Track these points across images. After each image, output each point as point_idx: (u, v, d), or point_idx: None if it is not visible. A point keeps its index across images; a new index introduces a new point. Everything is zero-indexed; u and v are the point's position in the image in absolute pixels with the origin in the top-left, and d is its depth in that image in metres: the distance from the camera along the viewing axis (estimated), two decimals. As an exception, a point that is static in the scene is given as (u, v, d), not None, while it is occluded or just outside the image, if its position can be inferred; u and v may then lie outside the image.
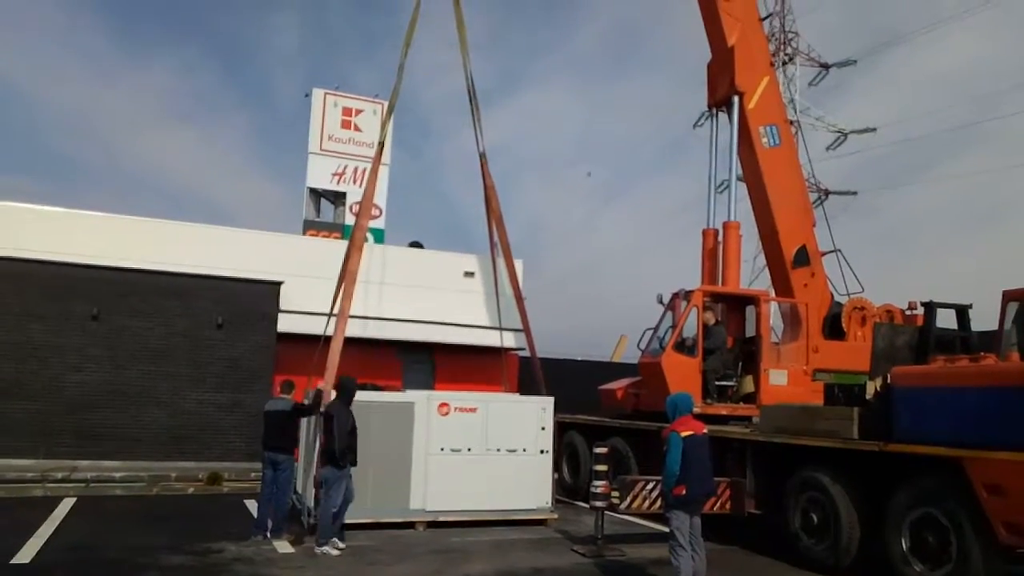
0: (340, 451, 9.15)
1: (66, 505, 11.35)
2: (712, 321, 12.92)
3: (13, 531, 9.26)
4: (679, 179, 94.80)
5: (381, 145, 14.30)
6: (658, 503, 9.21)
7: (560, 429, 13.23)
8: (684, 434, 7.41)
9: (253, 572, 8.09)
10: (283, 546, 9.30)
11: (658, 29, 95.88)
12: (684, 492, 7.31)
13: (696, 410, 8.90)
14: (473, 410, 11.05)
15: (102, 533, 9.65)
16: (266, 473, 9.99)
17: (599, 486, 9.61)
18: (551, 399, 11.73)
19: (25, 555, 8.31)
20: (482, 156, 15.00)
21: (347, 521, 9.52)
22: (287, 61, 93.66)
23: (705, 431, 7.70)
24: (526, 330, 14.59)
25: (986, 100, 70.59)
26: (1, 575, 7.49)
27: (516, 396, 13.64)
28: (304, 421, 10.80)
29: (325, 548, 8.96)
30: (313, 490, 10.17)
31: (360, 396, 9.88)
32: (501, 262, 15.23)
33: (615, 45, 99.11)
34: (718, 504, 9.89)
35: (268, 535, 9.64)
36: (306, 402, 10.89)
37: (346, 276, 12.40)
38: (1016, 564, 7.79)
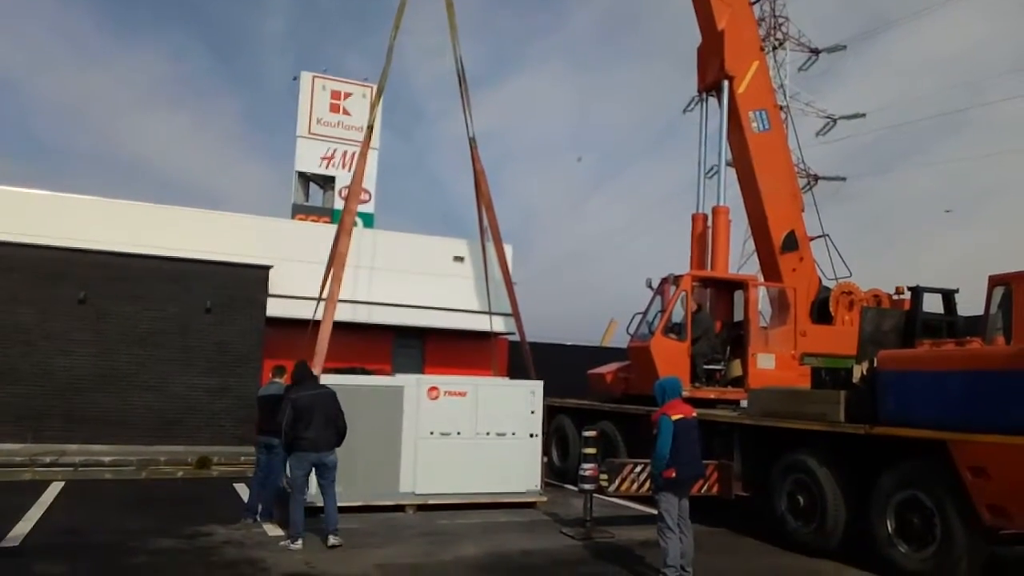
0: None
1: (55, 489, 11.32)
2: (694, 307, 12.98)
3: (2, 515, 9.22)
4: (669, 164, 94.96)
5: (370, 128, 14.26)
6: (646, 485, 9.28)
7: (549, 413, 13.29)
8: (675, 417, 7.45)
9: (243, 555, 8.11)
10: (273, 529, 9.31)
11: (650, 14, 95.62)
12: (674, 475, 7.36)
13: (685, 394, 8.96)
14: (463, 394, 11.07)
15: (91, 517, 9.64)
16: (260, 457, 10.00)
17: (588, 469, 9.67)
18: (540, 383, 11.76)
19: (14, 538, 8.30)
20: (472, 140, 14.97)
21: (337, 504, 9.50)
22: (277, 44, 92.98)
23: (694, 414, 7.75)
24: (515, 314, 14.62)
25: (975, 86, 70.89)
26: (-10, 558, 7.48)
27: (505, 380, 13.68)
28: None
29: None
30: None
31: (350, 380, 9.90)
32: (491, 247, 15.23)
33: (608, 30, 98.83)
34: (706, 487, 9.96)
35: (258, 518, 9.66)
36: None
37: (335, 260, 12.39)
38: (999, 545, 7.89)
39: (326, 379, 10.26)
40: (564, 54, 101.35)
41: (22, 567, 7.25)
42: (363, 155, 13.63)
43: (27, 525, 8.91)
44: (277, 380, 10.25)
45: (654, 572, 7.52)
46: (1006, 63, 68.36)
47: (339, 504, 8.99)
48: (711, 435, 10.29)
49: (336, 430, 8.85)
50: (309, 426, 8.67)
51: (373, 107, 14.94)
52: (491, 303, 15.98)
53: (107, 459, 13.31)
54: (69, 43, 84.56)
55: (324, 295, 12.32)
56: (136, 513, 9.98)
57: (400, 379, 11.36)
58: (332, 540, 8.58)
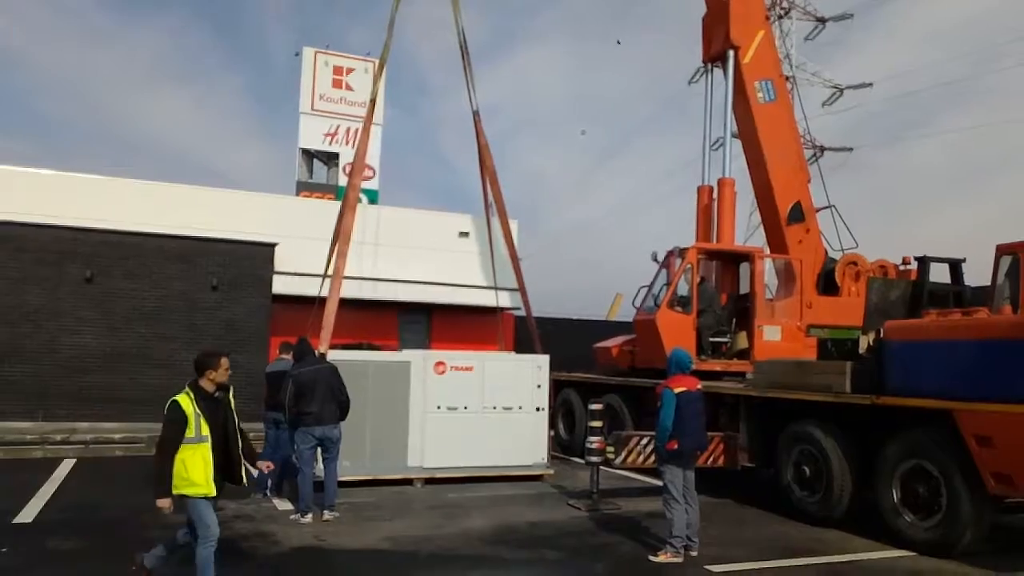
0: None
1: (66, 466, 11.43)
2: (700, 279, 12.95)
3: (14, 492, 9.35)
4: (675, 136, 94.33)
5: (373, 102, 14.17)
6: (652, 458, 9.32)
7: (556, 387, 13.33)
8: (678, 390, 7.48)
9: (254, 528, 8.19)
10: (282, 503, 9.40)
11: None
12: (677, 446, 7.40)
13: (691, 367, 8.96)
14: (469, 369, 11.11)
15: (103, 493, 9.75)
16: (268, 433, 10.07)
17: (594, 442, 9.72)
18: (546, 357, 11.80)
19: (27, 515, 8.41)
20: (475, 114, 14.88)
21: (346, 478, 9.60)
22: (279, 19, 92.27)
23: (699, 387, 7.77)
24: (521, 289, 14.61)
25: (984, 54, 69.95)
26: (4, 534, 7.56)
27: (512, 355, 13.71)
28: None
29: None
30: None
31: (357, 355, 9.95)
32: (496, 222, 15.19)
33: (612, 1, 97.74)
34: (711, 458, 10.01)
35: (268, 493, 9.75)
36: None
37: (340, 237, 12.39)
38: (1004, 513, 7.93)
39: (333, 355, 10.31)
40: (568, 26, 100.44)
41: (36, 542, 7.34)
42: (366, 131, 13.56)
43: (40, 502, 9.02)
44: (285, 356, 10.28)
45: (660, 543, 7.58)
46: (1015, 31, 67.43)
47: (348, 478, 9.06)
48: (717, 407, 10.33)
49: (339, 404, 8.91)
50: (312, 401, 8.73)
51: (375, 80, 14.85)
52: (496, 278, 15.96)
53: (117, 436, 13.42)
54: (71, 19, 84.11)
55: (330, 272, 12.33)
56: (147, 489, 9.96)
57: (407, 354, 11.40)
58: (327, 515, 8.67)
